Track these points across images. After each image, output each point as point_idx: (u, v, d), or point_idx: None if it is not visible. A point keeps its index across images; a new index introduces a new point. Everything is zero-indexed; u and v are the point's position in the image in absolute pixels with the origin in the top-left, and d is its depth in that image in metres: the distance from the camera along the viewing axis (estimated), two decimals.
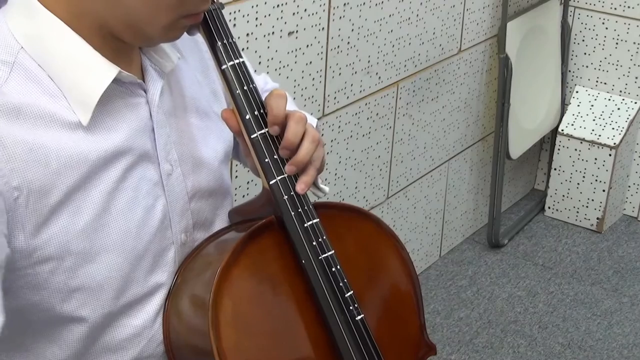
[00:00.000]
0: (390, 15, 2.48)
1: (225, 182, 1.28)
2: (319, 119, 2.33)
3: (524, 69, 3.09)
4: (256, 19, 2.03)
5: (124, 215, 1.12)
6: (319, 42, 2.25)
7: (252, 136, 1.17)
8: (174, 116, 1.20)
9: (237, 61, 1.18)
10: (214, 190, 1.25)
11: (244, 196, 2.13)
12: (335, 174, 2.47)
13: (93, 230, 1.09)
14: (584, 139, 3.27)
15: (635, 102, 3.28)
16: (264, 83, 1.46)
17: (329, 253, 1.19)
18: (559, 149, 3.33)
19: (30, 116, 1.04)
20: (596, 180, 3.28)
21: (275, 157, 1.17)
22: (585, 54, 3.34)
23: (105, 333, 1.15)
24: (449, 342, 2.70)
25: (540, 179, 3.60)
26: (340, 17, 2.30)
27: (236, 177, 2.09)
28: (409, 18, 2.57)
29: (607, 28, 3.27)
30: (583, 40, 3.33)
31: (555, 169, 3.36)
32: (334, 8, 2.27)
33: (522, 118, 3.13)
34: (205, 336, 1.10)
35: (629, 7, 3.20)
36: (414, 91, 2.69)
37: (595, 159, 3.26)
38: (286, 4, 2.10)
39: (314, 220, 1.18)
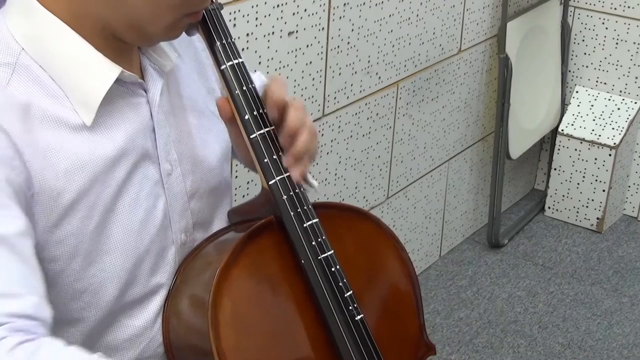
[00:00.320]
0: (390, 15, 2.48)
1: (224, 181, 1.28)
2: (319, 119, 2.33)
3: (524, 69, 3.09)
4: (256, 19, 2.03)
5: (128, 215, 1.12)
6: (319, 42, 2.25)
7: (251, 136, 1.17)
8: (173, 116, 1.20)
9: (236, 61, 1.17)
10: (213, 189, 1.25)
11: (244, 196, 2.13)
12: (335, 174, 2.47)
13: (100, 232, 1.09)
14: (584, 139, 3.27)
15: (635, 102, 3.28)
16: (260, 81, 1.46)
17: (329, 253, 1.19)
18: (559, 149, 3.33)
19: (36, 117, 1.04)
20: (596, 180, 3.27)
21: (274, 157, 1.17)
22: (585, 54, 3.34)
23: (106, 333, 1.15)
24: (449, 342, 2.70)
25: (540, 179, 3.59)
26: (340, 17, 2.30)
27: (236, 177, 2.09)
28: (409, 18, 2.57)
29: (607, 28, 3.26)
30: (583, 40, 3.32)
31: (555, 169, 3.36)
32: (334, 8, 2.27)
33: (522, 118, 3.13)
34: (205, 336, 1.10)
35: (629, 7, 3.20)
36: (414, 91, 2.69)
37: (595, 159, 3.26)
38: (286, 4, 2.10)
39: (314, 220, 1.18)
